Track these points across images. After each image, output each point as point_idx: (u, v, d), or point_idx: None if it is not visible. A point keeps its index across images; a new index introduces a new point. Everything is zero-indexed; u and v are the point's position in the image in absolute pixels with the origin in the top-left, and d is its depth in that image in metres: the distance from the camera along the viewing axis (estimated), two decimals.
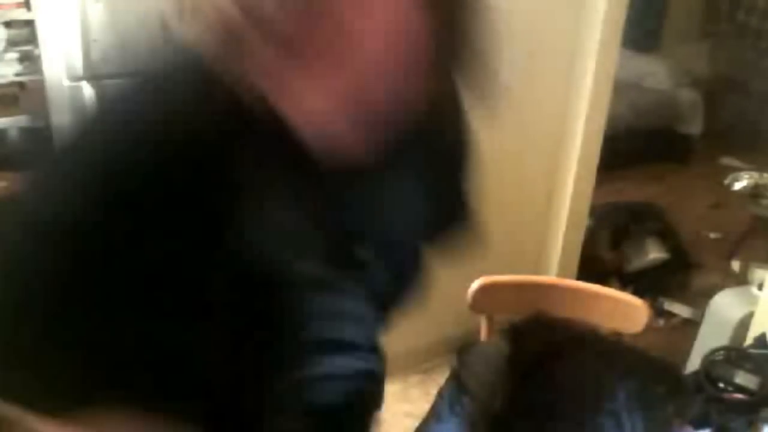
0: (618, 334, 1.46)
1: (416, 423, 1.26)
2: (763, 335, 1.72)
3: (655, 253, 3.02)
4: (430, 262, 1.02)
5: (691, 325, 2.58)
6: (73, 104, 1.96)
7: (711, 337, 2.13)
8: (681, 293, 2.98)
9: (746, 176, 3.25)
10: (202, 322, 0.68)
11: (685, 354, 2.25)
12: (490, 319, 1.51)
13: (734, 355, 1.51)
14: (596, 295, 1.51)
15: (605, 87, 2.34)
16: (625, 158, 3.81)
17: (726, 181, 3.27)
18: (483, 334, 1.50)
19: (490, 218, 2.51)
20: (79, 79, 1.95)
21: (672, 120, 4.39)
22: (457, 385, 1.17)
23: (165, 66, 0.69)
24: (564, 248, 2.55)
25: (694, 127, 4.44)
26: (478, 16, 0.77)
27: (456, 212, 1.04)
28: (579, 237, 2.61)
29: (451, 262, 1.10)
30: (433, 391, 1.23)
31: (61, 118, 2.01)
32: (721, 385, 1.41)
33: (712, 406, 1.37)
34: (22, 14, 2.09)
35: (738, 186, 3.22)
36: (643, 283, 2.85)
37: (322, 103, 0.62)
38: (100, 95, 1.89)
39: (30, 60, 2.16)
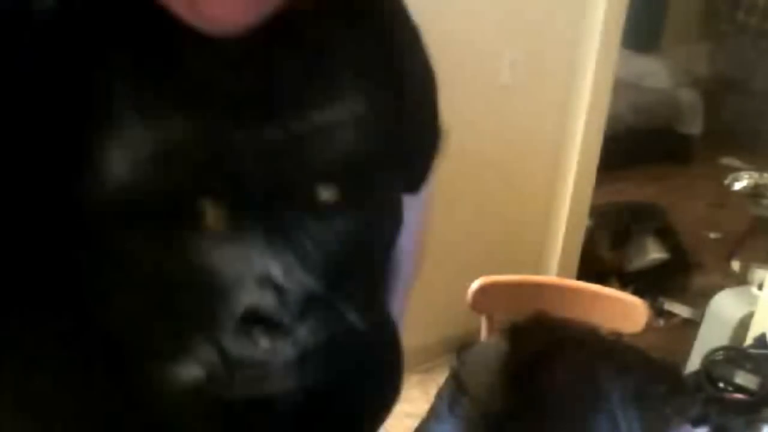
0: (618, 334, 1.46)
1: (416, 423, 1.25)
2: (763, 335, 1.72)
3: (655, 253, 3.01)
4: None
5: (691, 325, 2.58)
6: None
7: (711, 337, 2.13)
8: (681, 293, 2.98)
9: (746, 176, 3.25)
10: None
11: (685, 354, 2.25)
12: (490, 319, 1.51)
13: (734, 355, 1.51)
14: (596, 295, 1.51)
15: (605, 87, 2.34)
16: (625, 158, 3.80)
17: (726, 181, 3.28)
18: (483, 334, 1.50)
19: (490, 218, 2.52)
20: None
21: (672, 120, 4.39)
22: (456, 385, 1.17)
23: None
24: (564, 248, 2.55)
25: (694, 127, 4.44)
26: None
27: (424, 143, 0.88)
28: (579, 237, 2.61)
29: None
30: (433, 391, 1.23)
31: None
32: (721, 385, 1.41)
33: (712, 406, 1.37)
34: None
35: (738, 186, 3.22)
36: (643, 283, 2.85)
37: None
38: None
39: None
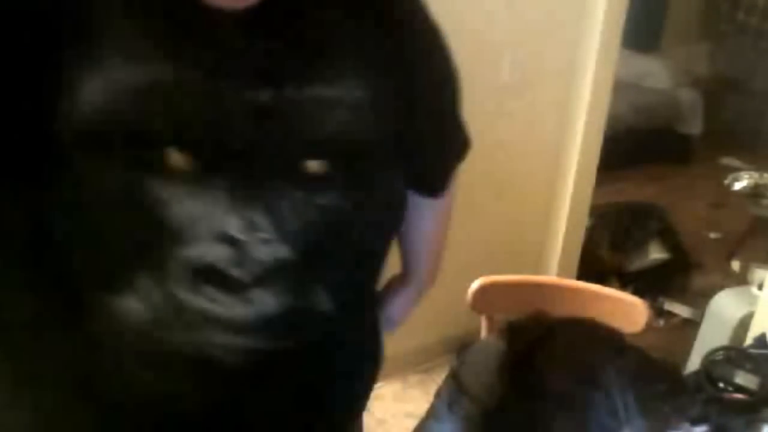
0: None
1: (416, 423, 1.25)
2: (763, 335, 1.72)
3: (655, 253, 3.01)
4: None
5: (691, 325, 2.58)
6: None
7: (711, 337, 2.13)
8: (681, 293, 2.98)
9: (746, 176, 3.25)
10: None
11: (685, 354, 2.25)
12: (490, 319, 1.51)
13: (734, 355, 1.51)
14: (596, 295, 1.51)
15: (605, 87, 2.34)
16: (625, 158, 3.80)
17: (726, 181, 3.28)
18: (483, 334, 1.50)
19: (490, 218, 2.53)
20: None
21: (672, 120, 4.39)
22: (455, 385, 1.17)
23: None
24: (564, 248, 2.55)
25: (694, 127, 4.44)
26: None
27: (443, 146, 0.87)
28: (579, 237, 2.61)
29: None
30: (433, 391, 1.23)
31: None
32: (721, 385, 1.41)
33: (712, 406, 1.37)
34: None
35: (738, 186, 3.22)
36: (643, 283, 2.85)
37: None
38: None
39: None
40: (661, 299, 2.90)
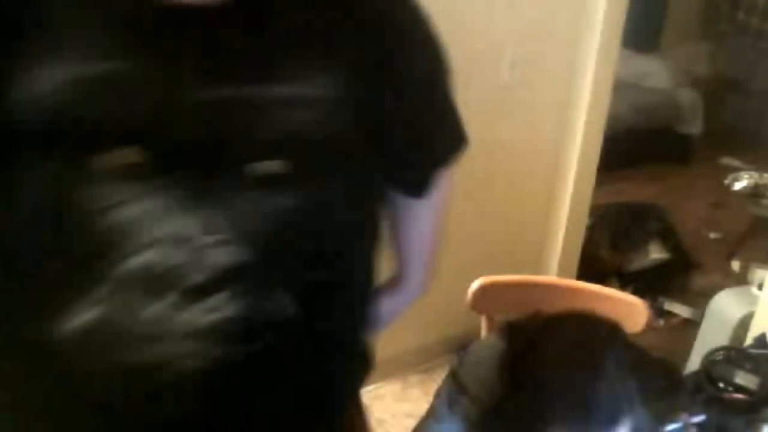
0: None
1: (416, 423, 1.26)
2: (763, 335, 1.72)
3: (655, 253, 3.02)
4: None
5: (691, 325, 2.58)
6: None
7: (711, 337, 2.13)
8: (681, 293, 2.98)
9: (746, 176, 3.26)
10: None
11: (685, 354, 2.25)
12: (490, 319, 1.51)
13: (734, 355, 1.51)
14: (596, 295, 1.51)
15: (605, 87, 2.34)
16: (625, 158, 3.81)
17: (726, 181, 3.28)
18: (483, 334, 1.50)
19: (490, 218, 2.53)
20: None
21: (672, 120, 4.39)
22: (455, 385, 1.17)
23: None
24: (564, 248, 2.55)
25: (694, 127, 4.44)
26: None
27: (430, 144, 0.82)
28: (579, 237, 2.61)
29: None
30: (433, 391, 1.23)
31: None
32: (721, 385, 1.41)
33: (712, 406, 1.37)
34: None
35: (738, 186, 3.22)
36: (643, 283, 2.85)
37: None
38: None
39: None
40: (661, 299, 2.89)
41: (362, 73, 0.68)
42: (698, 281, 3.08)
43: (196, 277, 0.60)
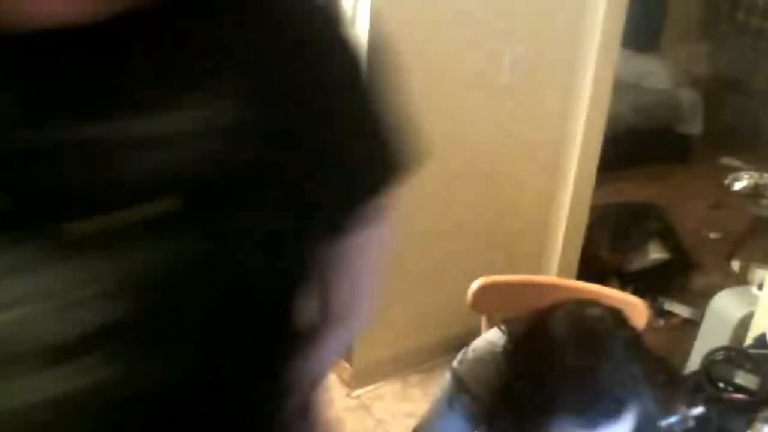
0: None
1: (416, 423, 1.26)
2: (763, 335, 1.72)
3: (655, 253, 3.02)
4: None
5: (691, 325, 2.58)
6: None
7: (711, 337, 2.13)
8: (681, 293, 2.98)
9: (746, 176, 3.26)
10: None
11: (685, 354, 2.25)
12: (490, 319, 1.51)
13: (734, 355, 1.51)
14: (596, 295, 1.51)
15: (605, 87, 2.34)
16: (625, 158, 3.81)
17: (726, 181, 3.28)
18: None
19: (490, 218, 2.53)
20: None
21: (672, 120, 4.39)
22: (455, 383, 1.17)
23: None
24: (564, 248, 2.55)
25: (694, 127, 4.44)
26: None
27: (349, 174, 0.70)
28: (579, 237, 2.61)
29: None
30: (433, 391, 1.23)
31: None
32: (721, 385, 1.41)
33: (712, 406, 1.37)
34: None
35: (738, 186, 3.22)
36: (643, 283, 2.85)
37: None
38: None
39: None
40: (661, 299, 2.90)
41: (261, 95, 0.60)
42: (698, 281, 3.08)
43: (61, 338, 0.53)
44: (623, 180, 3.76)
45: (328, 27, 0.64)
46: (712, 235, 3.54)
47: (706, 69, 4.72)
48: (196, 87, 0.57)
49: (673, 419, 1.27)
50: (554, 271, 2.57)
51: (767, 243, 3.21)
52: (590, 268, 2.66)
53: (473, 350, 1.20)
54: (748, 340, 1.84)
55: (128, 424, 0.57)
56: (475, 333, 1.51)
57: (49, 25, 0.52)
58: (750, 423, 1.34)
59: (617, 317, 1.04)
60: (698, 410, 1.29)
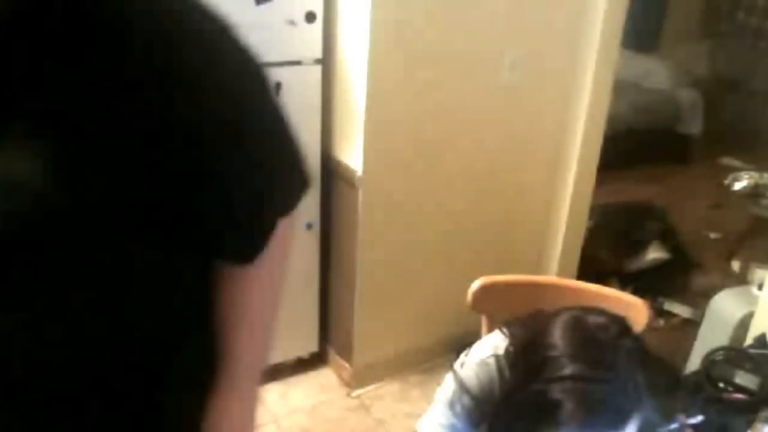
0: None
1: (416, 423, 1.26)
2: (763, 335, 1.72)
3: (655, 253, 3.02)
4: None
5: (691, 325, 2.58)
6: None
7: (711, 337, 2.13)
8: (681, 293, 2.98)
9: (746, 176, 3.26)
10: None
11: (685, 354, 2.25)
12: (490, 319, 1.51)
13: (734, 355, 1.51)
14: (596, 295, 1.51)
15: (605, 87, 2.34)
16: (625, 158, 3.81)
17: (726, 181, 3.29)
18: (483, 334, 1.50)
19: (490, 218, 2.53)
20: None
21: (672, 120, 4.39)
22: (456, 384, 1.17)
23: None
24: (564, 248, 2.55)
25: (694, 127, 4.45)
26: None
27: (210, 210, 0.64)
28: (579, 237, 2.61)
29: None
30: (433, 391, 1.23)
31: None
32: (721, 385, 1.41)
33: (712, 406, 1.37)
34: None
35: (738, 186, 3.23)
36: (643, 283, 2.85)
37: None
38: None
39: None
40: (661, 299, 2.90)
41: (112, 128, 0.53)
42: (698, 281, 3.09)
43: None
44: (623, 180, 3.76)
45: (204, 81, 0.57)
46: (712, 235, 3.54)
47: (706, 69, 4.72)
48: (14, 128, 0.49)
49: (672, 426, 1.27)
50: (554, 271, 2.57)
51: (767, 243, 3.21)
52: (590, 268, 2.66)
53: (475, 352, 1.20)
54: (748, 340, 1.84)
55: None
56: (475, 333, 1.51)
57: None
58: (750, 423, 1.34)
59: (621, 326, 1.04)
60: (696, 419, 1.29)
